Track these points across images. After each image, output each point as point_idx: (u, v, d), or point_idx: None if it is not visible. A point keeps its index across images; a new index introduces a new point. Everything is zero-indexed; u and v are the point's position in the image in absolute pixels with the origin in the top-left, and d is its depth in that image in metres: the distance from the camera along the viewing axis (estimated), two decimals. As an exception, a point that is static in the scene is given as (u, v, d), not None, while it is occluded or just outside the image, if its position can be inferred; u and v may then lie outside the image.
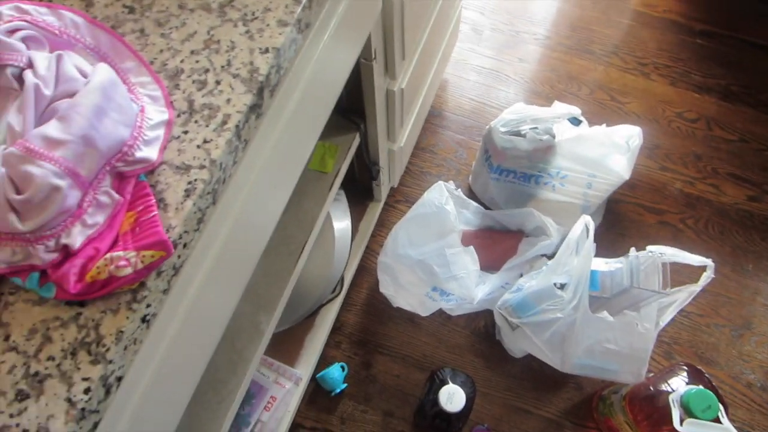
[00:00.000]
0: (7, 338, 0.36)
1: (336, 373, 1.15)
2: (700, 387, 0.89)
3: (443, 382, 1.02)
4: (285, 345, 1.10)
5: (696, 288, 0.95)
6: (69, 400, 0.34)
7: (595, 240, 0.95)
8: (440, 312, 1.15)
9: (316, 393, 1.17)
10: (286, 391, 1.05)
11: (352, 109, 0.94)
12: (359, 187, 1.20)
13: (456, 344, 1.21)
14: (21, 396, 0.35)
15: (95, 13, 0.46)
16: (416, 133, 1.24)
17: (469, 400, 1.00)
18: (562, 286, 1.01)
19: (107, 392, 0.36)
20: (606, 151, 1.15)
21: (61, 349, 0.35)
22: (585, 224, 1.00)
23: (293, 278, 0.88)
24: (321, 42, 0.55)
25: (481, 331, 1.22)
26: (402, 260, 1.12)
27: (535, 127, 1.13)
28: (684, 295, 0.97)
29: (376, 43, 0.79)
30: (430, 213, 1.10)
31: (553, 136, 1.13)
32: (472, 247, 1.10)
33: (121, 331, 0.36)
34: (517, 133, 1.13)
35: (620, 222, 1.30)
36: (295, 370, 1.07)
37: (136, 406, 0.43)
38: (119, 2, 0.47)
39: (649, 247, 1.01)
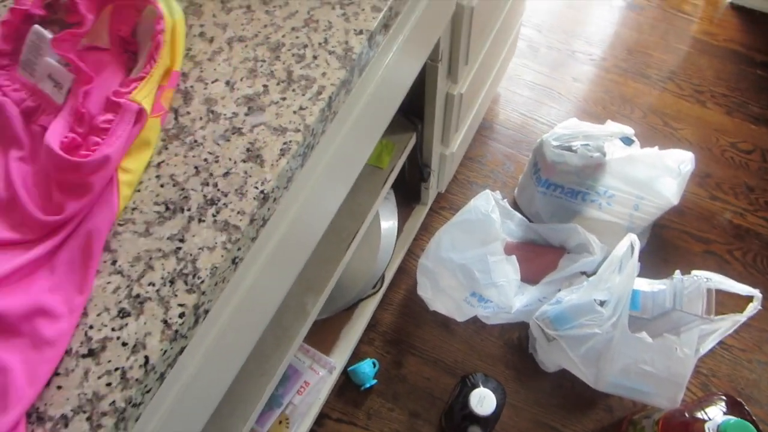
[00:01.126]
0: (114, 263, 0.40)
1: (367, 368, 1.18)
2: (739, 419, 0.87)
3: (474, 386, 1.03)
4: (322, 334, 1.13)
5: (741, 318, 0.94)
6: (165, 322, 0.38)
7: (639, 262, 0.96)
8: (475, 320, 1.16)
9: (346, 386, 1.19)
10: (319, 378, 1.08)
11: (412, 109, 0.98)
12: (408, 189, 1.23)
13: (488, 353, 1.22)
14: (123, 313, 0.38)
15: (207, -12, 0.51)
16: (467, 142, 1.27)
17: (499, 406, 1.01)
18: (602, 303, 1.01)
19: (196, 321, 0.40)
20: (656, 174, 1.16)
21: (161, 277, 0.39)
22: (630, 242, 1.01)
23: (341, 266, 0.91)
24: (399, 37, 0.59)
25: (514, 342, 1.23)
26: (444, 263, 1.14)
27: (587, 144, 1.14)
28: (727, 324, 0.96)
29: (443, 46, 0.83)
30: (475, 220, 1.12)
31: (604, 154, 1.14)
32: (514, 257, 1.12)
33: (216, 267, 0.39)
34: (569, 148, 1.15)
35: (665, 248, 1.29)
36: (329, 358, 1.10)
37: (206, 352, 0.47)
38: (229, -21, 0.51)
39: (695, 272, 1.01)
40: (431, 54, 0.82)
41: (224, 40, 0.48)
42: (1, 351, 0.36)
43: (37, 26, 0.45)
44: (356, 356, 1.20)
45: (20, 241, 0.40)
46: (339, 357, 1.12)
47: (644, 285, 1.05)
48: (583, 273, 1.19)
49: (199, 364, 0.47)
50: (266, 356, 0.86)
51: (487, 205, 1.12)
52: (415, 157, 1.09)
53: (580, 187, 1.18)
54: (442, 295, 1.16)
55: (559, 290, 1.18)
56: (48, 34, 0.44)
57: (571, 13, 1.61)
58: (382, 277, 1.17)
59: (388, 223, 1.17)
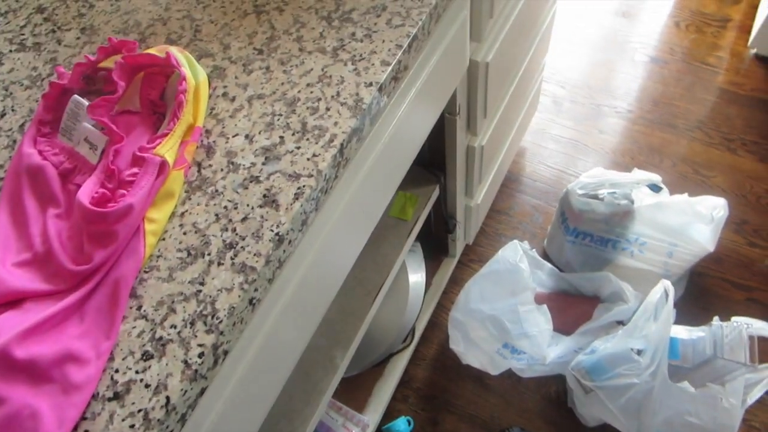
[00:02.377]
0: (139, 308, 0.42)
1: (402, 426, 1.15)
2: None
3: (512, 441, 0.99)
4: (354, 391, 1.12)
5: (789, 365, 0.90)
6: (185, 362, 0.39)
7: (678, 313, 0.93)
8: (510, 373, 1.13)
9: (380, 445, 1.16)
10: (352, 437, 1.06)
11: (434, 162, 1.00)
12: (435, 242, 1.24)
13: (525, 408, 1.18)
14: (146, 356, 0.40)
15: (231, 54, 0.56)
16: (493, 194, 1.28)
17: (538, 463, 0.97)
18: (639, 352, 0.98)
19: (215, 362, 0.41)
20: (688, 221, 1.14)
21: (182, 319, 0.41)
22: (664, 288, 0.98)
23: (368, 318, 0.92)
24: (412, 90, 0.62)
25: (552, 396, 1.18)
26: (473, 315, 1.13)
27: (614, 192, 1.14)
28: (775, 372, 0.91)
29: (460, 99, 0.86)
30: (504, 270, 1.12)
31: (632, 202, 1.13)
32: (545, 306, 1.10)
33: (233, 307, 0.41)
34: (595, 197, 1.14)
35: (704, 296, 1.25)
36: (362, 416, 1.08)
37: (228, 397, 0.48)
38: (251, 45, 0.56)
39: (735, 318, 0.97)
40: (448, 107, 0.85)
41: (245, 98, 0.52)
42: (32, 396, 0.38)
43: (75, 96, 0.49)
44: (390, 414, 1.18)
45: (53, 292, 0.43)
46: (372, 415, 1.10)
47: (682, 332, 1.02)
48: (619, 322, 1.15)
49: (221, 410, 0.48)
50: (297, 411, 0.85)
51: (515, 255, 1.12)
52: (440, 209, 1.11)
53: (610, 234, 1.17)
54: (474, 347, 1.14)
55: (595, 340, 1.15)
56: (85, 102, 0.48)
57: (594, 70, 1.65)
58: (413, 331, 1.16)
59: (416, 276, 1.17)
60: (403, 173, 0.71)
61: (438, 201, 1.06)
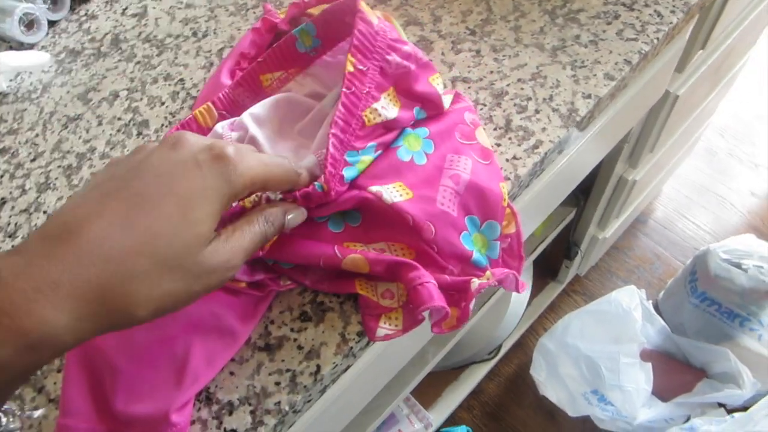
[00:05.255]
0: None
1: (461, 435, 1.12)
2: None
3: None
4: (426, 387, 1.09)
5: None
6: (342, 336, 0.38)
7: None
8: (586, 418, 1.07)
9: (435, 447, 1.14)
10: (414, 431, 1.04)
11: (579, 184, 0.94)
12: (546, 263, 1.18)
13: (593, 459, 1.11)
14: (304, 317, 0.39)
15: (441, 27, 0.53)
16: (620, 230, 1.20)
17: None
18: (747, 446, 0.89)
19: (368, 343, 0.39)
20: (838, 319, 1.02)
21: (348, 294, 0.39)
22: (797, 388, 0.88)
23: (470, 322, 0.88)
24: (607, 115, 0.57)
25: (625, 457, 1.11)
26: (567, 349, 1.07)
27: (761, 266, 1.03)
28: None
29: (634, 128, 0.79)
30: (613, 313, 1.05)
31: (779, 283, 1.02)
32: (650, 364, 1.02)
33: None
34: (738, 265, 1.04)
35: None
36: (428, 413, 1.06)
37: (350, 381, 0.46)
38: (463, 24, 0.52)
39: None
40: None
41: (448, 78, 0.48)
42: (188, 334, 0.37)
43: None
44: (452, 419, 1.15)
45: None
46: (437, 415, 1.08)
47: (803, 440, 0.91)
48: (721, 405, 1.06)
49: (339, 393, 0.46)
50: (377, 395, 0.84)
51: (631, 302, 1.04)
52: (567, 233, 1.04)
53: (741, 310, 1.07)
54: (558, 382, 1.08)
55: (689, 416, 1.06)
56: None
57: (762, 125, 1.49)
58: (500, 346, 1.12)
59: (521, 294, 1.12)
60: (561, 199, 0.67)
61: (569, 224, 0.99)
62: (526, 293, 1.11)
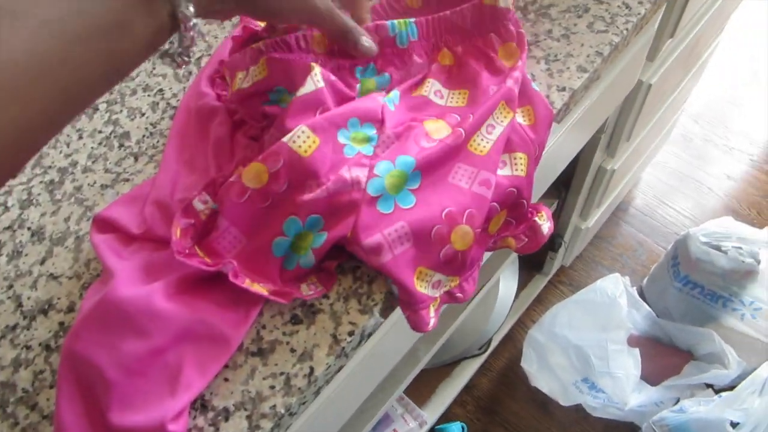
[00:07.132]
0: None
1: (456, 430, 1.13)
2: None
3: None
4: (419, 386, 1.10)
5: None
6: (334, 336, 0.38)
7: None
8: (578, 407, 1.08)
9: (431, 444, 1.14)
10: (409, 429, 1.04)
11: (559, 176, 0.95)
12: (532, 256, 1.19)
13: (587, 447, 1.13)
14: (295, 320, 0.39)
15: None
16: (602, 220, 1.22)
17: None
18: (735, 425, 0.91)
19: (359, 343, 0.40)
20: (817, 296, 1.04)
21: (336, 292, 0.39)
22: (780, 365, 0.90)
23: (460, 319, 0.89)
24: (583, 106, 0.58)
25: (618, 442, 1.13)
26: (556, 339, 1.08)
27: (740, 247, 1.05)
28: None
29: (610, 118, 0.81)
30: (599, 301, 1.06)
31: (758, 262, 1.04)
32: (637, 350, 1.04)
33: (390, 293, 0.39)
34: (718, 248, 1.06)
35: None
36: (422, 411, 1.07)
37: (342, 381, 0.47)
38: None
39: None
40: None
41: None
42: (179, 343, 0.37)
43: None
44: (446, 415, 1.16)
45: None
46: (431, 412, 1.08)
47: (789, 415, 0.93)
48: (709, 386, 1.08)
49: (333, 393, 0.47)
50: (371, 395, 0.84)
51: (615, 290, 1.06)
52: (550, 225, 1.06)
53: (724, 291, 1.09)
54: (548, 372, 1.10)
55: (678, 398, 1.08)
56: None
57: (734, 110, 1.52)
58: (490, 340, 1.13)
59: (508, 287, 1.13)
60: (540, 194, 0.68)
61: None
62: (512, 288, 1.12)
